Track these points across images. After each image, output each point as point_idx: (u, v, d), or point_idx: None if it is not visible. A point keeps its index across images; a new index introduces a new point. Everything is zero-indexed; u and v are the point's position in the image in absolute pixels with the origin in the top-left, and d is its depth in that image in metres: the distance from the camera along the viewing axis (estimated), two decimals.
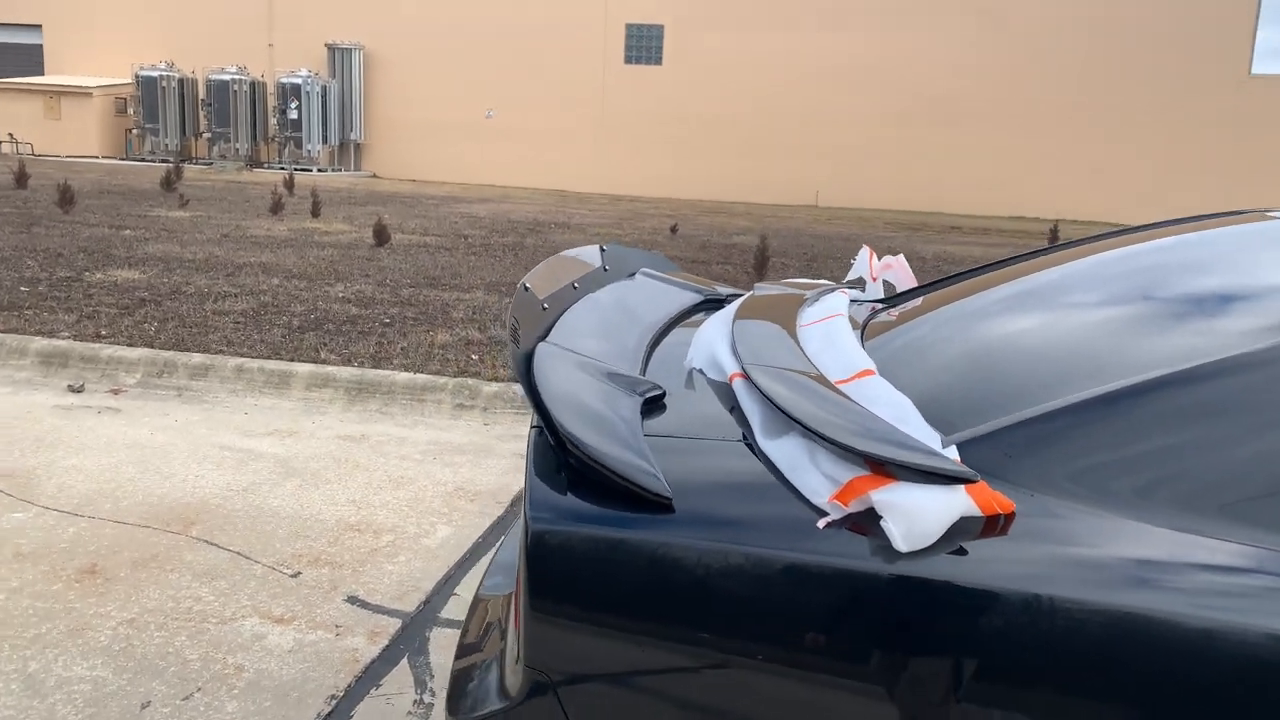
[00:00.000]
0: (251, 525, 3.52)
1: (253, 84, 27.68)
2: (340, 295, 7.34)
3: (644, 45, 27.96)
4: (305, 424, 4.70)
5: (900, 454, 1.17)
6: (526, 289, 1.72)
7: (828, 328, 1.82)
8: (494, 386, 5.09)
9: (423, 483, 4.05)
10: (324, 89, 27.78)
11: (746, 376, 1.48)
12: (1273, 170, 25.27)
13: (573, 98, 28.22)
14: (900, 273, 2.51)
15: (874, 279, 2.55)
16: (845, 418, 1.28)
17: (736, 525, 1.23)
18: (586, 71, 28.12)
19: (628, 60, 28.16)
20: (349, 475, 4.08)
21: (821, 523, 1.17)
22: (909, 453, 1.17)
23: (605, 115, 28.39)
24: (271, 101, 27.84)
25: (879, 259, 2.63)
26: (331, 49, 28.60)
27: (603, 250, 2.29)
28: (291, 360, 5.36)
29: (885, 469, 1.16)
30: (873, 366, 1.51)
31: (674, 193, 26.18)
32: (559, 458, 1.30)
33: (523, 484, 1.37)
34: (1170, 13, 25.60)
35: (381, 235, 10.79)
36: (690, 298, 2.30)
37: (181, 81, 27.63)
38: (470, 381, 5.14)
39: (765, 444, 1.31)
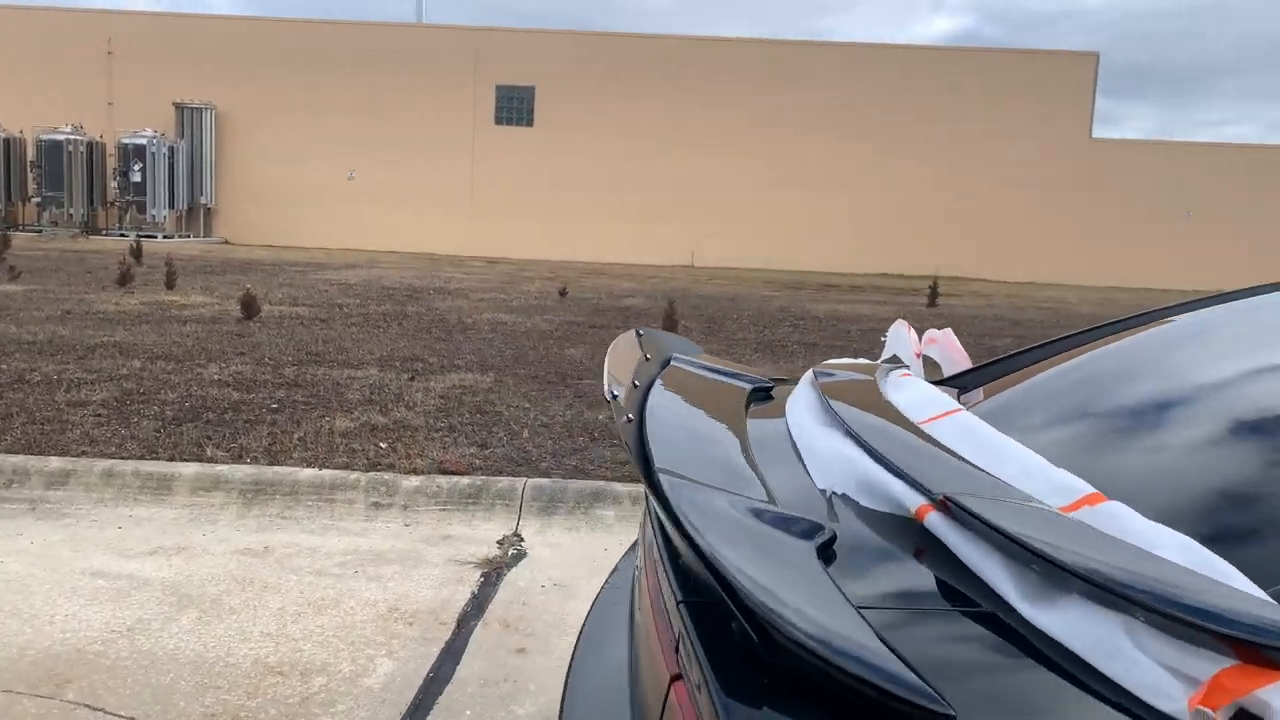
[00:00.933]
0: (144, 678, 2.87)
1: (90, 144, 25.90)
2: (216, 378, 6.59)
3: (515, 106, 27.82)
4: (195, 537, 4.02)
5: None
6: (615, 397, 1.39)
7: (964, 429, 1.47)
8: (414, 481, 4.54)
9: (348, 604, 3.47)
10: (171, 150, 26.29)
11: (949, 509, 1.11)
12: (1117, 228, 27.32)
13: (442, 158, 27.70)
14: (949, 350, 2.20)
15: (917, 356, 2.24)
16: (1163, 578, 0.91)
17: None
18: (456, 132, 27.69)
19: (498, 121, 27.92)
20: (258, 600, 3.46)
21: None
22: None
23: (476, 176, 27.98)
24: (111, 163, 26.09)
25: (912, 332, 2.32)
26: (180, 108, 27.15)
27: (639, 335, 1.95)
28: (171, 459, 4.65)
29: (1265, 657, 0.81)
30: (1093, 489, 1.16)
31: (548, 254, 25.91)
32: (765, 659, 0.88)
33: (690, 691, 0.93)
34: (1019, 80, 27.50)
35: (250, 307, 9.97)
36: (740, 387, 1.94)
37: (7, 141, 25.60)
38: (386, 476, 4.57)
39: (1040, 617, 0.94)
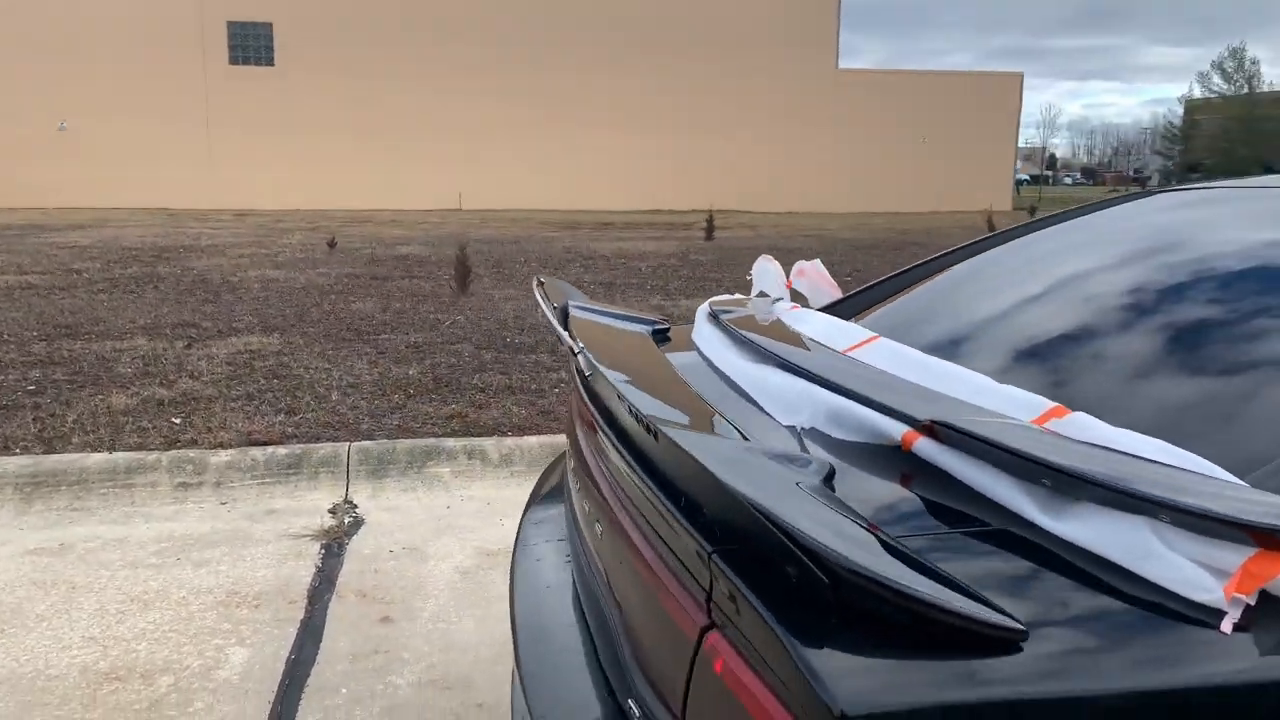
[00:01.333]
0: None
1: None
2: None
3: (251, 44, 25.55)
4: None
5: None
6: (581, 351, 1.35)
7: (892, 354, 1.54)
8: (223, 455, 4.19)
9: (179, 594, 3.17)
10: None
11: (938, 434, 1.15)
12: (864, 154, 29.27)
13: (170, 104, 25.10)
14: (819, 281, 2.28)
15: (786, 288, 2.32)
16: (1177, 479, 1.00)
17: (1101, 652, 0.91)
18: (184, 74, 25.13)
19: (234, 60, 25.57)
20: (69, 603, 3.09)
21: (1226, 624, 0.90)
22: None
23: (212, 122, 25.60)
24: None
25: (777, 265, 2.39)
26: None
27: (541, 284, 1.91)
28: None
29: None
30: (1053, 402, 1.25)
31: (303, 204, 24.33)
32: (830, 598, 0.89)
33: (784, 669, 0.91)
34: (767, 14, 28.55)
35: None
36: (641, 331, 1.94)
37: None
38: (191, 453, 4.18)
39: (1062, 528, 1.00)
